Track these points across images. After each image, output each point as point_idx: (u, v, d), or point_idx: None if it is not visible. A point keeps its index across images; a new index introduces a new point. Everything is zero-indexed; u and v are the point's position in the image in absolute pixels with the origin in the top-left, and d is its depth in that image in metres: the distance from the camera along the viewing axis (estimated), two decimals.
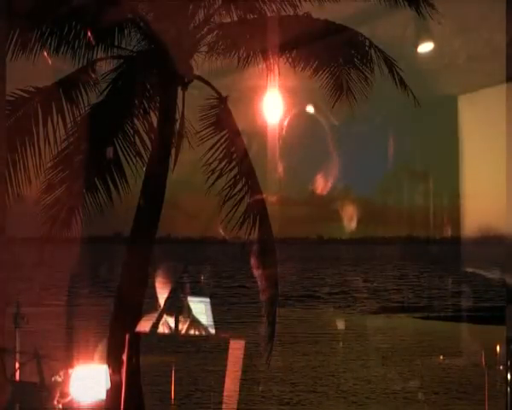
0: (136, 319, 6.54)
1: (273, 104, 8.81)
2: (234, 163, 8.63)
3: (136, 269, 8.38)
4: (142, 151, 8.39)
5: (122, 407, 6.08)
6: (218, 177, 8.58)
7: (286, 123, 9.10)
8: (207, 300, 6.07)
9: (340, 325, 23.92)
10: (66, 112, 8.24)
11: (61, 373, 6.21)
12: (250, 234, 8.62)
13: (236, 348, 5.59)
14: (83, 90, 8.36)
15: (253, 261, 8.68)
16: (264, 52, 8.57)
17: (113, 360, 6.70)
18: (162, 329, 5.98)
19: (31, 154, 8.05)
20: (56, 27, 8.12)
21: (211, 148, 8.63)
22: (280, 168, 9.54)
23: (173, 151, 8.53)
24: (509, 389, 6.20)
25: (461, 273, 31.66)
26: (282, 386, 15.65)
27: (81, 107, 8.34)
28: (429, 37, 8.31)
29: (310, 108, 9.05)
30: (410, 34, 8.54)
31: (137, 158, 8.37)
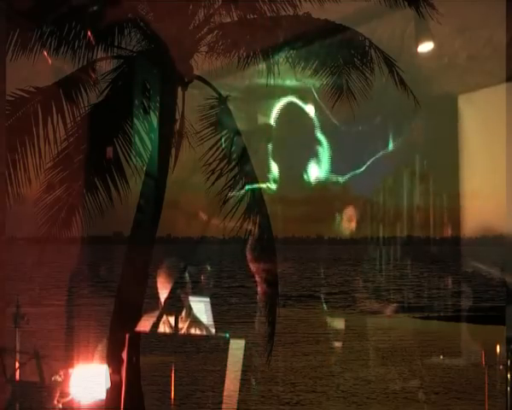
0: (136, 319, 6.54)
1: (273, 104, 8.80)
2: (234, 163, 8.63)
3: (136, 269, 8.39)
4: (142, 151, 8.39)
5: (122, 407, 6.08)
6: (218, 177, 8.59)
7: (286, 123, 9.09)
8: (207, 300, 6.08)
9: (340, 324, 23.91)
10: (66, 112, 8.24)
11: (61, 373, 6.21)
12: (250, 234, 8.63)
13: (236, 348, 5.59)
14: (83, 90, 8.36)
15: (252, 261, 8.68)
16: (264, 52, 8.58)
17: (113, 360, 6.70)
18: (162, 329, 5.98)
19: (31, 154, 8.05)
20: (56, 27, 8.12)
21: (211, 148, 8.64)
22: (280, 168, 9.54)
23: (173, 151, 8.53)
24: (509, 389, 6.21)
25: (461, 273, 31.67)
26: (281, 386, 15.65)
27: (81, 107, 8.34)
28: (429, 37, 8.31)
29: (310, 108, 9.05)
30: (410, 34, 8.53)
31: (137, 158, 8.37)
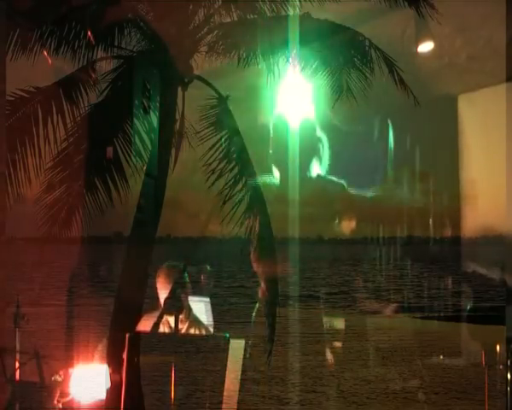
0: (136, 319, 6.53)
1: (273, 104, 8.82)
2: (234, 163, 8.64)
3: (136, 269, 8.39)
4: (142, 151, 8.39)
5: (122, 407, 6.08)
6: (218, 177, 8.59)
7: (286, 123, 9.11)
8: (207, 300, 6.07)
9: (340, 324, 23.91)
10: (66, 112, 8.25)
11: (61, 373, 6.20)
12: (250, 234, 8.63)
13: (236, 348, 5.59)
14: (83, 90, 8.37)
15: (252, 261, 8.68)
16: (264, 52, 8.58)
17: (113, 360, 6.70)
18: (162, 329, 5.98)
19: (31, 154, 8.06)
20: (56, 27, 8.13)
21: (211, 148, 8.64)
22: (280, 168, 9.55)
23: (173, 151, 8.54)
24: (509, 388, 6.20)
25: (461, 273, 31.64)
26: (281, 386, 15.65)
27: (81, 107, 8.35)
28: (429, 37, 8.32)
29: (310, 108, 9.06)
30: (410, 34, 8.54)
31: (137, 158, 8.38)
